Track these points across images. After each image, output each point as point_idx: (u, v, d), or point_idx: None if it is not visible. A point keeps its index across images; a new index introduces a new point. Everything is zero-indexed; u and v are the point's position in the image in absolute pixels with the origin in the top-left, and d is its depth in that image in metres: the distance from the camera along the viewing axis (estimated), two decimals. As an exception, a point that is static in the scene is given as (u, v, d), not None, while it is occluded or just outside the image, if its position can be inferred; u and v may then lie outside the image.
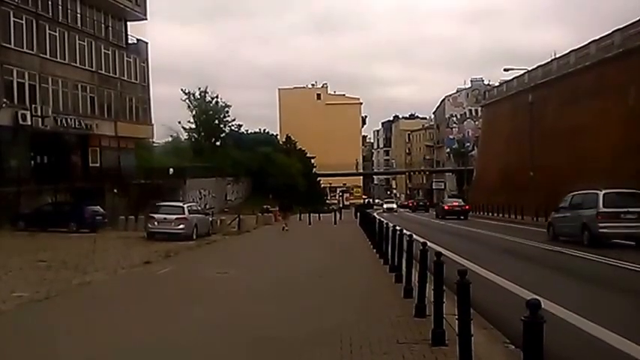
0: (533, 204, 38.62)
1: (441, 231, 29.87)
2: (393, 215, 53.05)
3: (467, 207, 46.67)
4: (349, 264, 15.24)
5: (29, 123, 31.80)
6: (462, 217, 43.51)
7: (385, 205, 73.14)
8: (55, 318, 8.67)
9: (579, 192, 22.20)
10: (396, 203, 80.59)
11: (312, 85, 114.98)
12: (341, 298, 9.83)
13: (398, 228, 12.34)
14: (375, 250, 17.29)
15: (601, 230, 18.76)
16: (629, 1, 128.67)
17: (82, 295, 10.68)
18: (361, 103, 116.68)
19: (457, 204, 47.04)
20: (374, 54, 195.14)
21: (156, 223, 24.08)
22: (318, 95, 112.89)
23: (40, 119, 32.60)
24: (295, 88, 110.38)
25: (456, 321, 5.09)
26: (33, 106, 32.43)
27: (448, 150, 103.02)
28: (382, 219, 19.16)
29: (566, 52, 45.02)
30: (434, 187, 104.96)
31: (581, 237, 19.40)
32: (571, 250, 17.61)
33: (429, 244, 8.11)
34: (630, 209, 18.83)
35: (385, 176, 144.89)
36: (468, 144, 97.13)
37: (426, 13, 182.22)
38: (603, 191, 20.00)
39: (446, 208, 46.12)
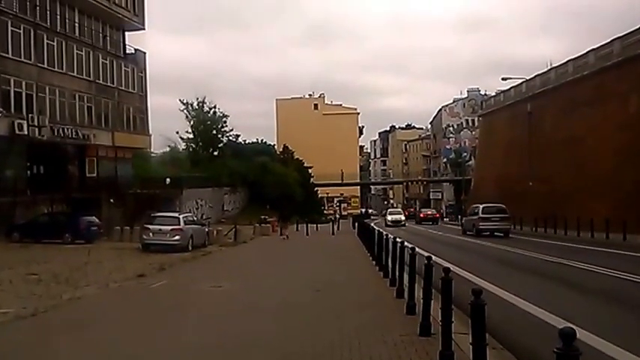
0: (532, 214, 38.46)
1: (405, 231, 41.66)
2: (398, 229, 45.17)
3: (437, 215, 63.93)
4: (348, 277, 14.94)
5: (26, 133, 31.54)
6: (433, 223, 57.21)
7: (390, 217, 54.93)
8: (38, 337, 8.31)
9: (473, 205, 37.48)
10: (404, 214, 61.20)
11: (310, 95, 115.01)
12: (339, 314, 9.47)
13: (399, 240, 12.09)
14: (374, 262, 17.02)
15: (480, 227, 33.10)
16: (618, 14, 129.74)
17: (70, 312, 10.32)
18: (358, 113, 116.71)
19: (430, 212, 64.14)
20: (370, 64, 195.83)
21: (151, 234, 23.73)
22: (315, 105, 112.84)
23: (36, 129, 32.34)
24: (293, 98, 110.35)
25: (466, 342, 4.81)
26: (30, 115, 32.18)
27: (445, 160, 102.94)
28: (381, 230, 18.82)
29: (564, 61, 44.97)
30: (431, 197, 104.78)
31: (473, 231, 33.63)
32: (468, 238, 32.01)
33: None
34: (496, 215, 33.21)
35: (382, 186, 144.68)
36: (465, 154, 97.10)
37: (419, 24, 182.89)
38: (482, 205, 34.68)
39: (421, 215, 61.74)
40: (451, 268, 6.31)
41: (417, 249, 9.76)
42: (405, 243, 11.72)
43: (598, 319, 8.91)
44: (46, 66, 34.14)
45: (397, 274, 11.22)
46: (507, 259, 19.63)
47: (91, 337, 8.14)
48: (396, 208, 79.00)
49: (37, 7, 33.81)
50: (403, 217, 55.49)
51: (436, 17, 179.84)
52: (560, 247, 24.34)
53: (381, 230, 19.16)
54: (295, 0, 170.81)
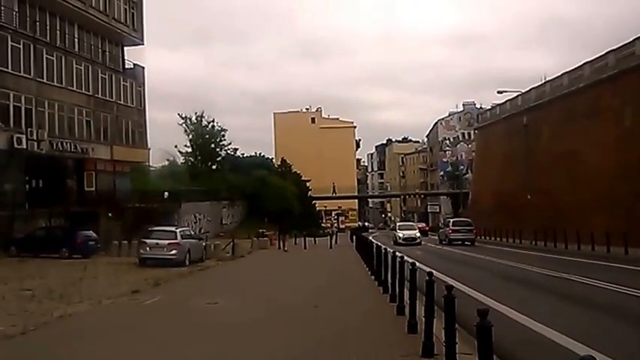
0: (531, 227, 38.33)
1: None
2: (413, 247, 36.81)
3: (427, 228, 69.71)
4: (346, 292, 14.76)
5: (25, 147, 31.45)
6: (423, 235, 60.32)
7: (401, 233, 43.12)
8: (24, 356, 8.10)
9: (447, 219, 49.46)
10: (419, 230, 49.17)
11: (307, 109, 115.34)
12: (338, 332, 9.26)
13: (398, 255, 11.95)
14: (373, 277, 16.86)
15: (450, 237, 40.17)
16: (610, 27, 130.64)
17: (59, 330, 10.08)
18: (355, 127, 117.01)
19: (420, 226, 64.96)
20: (365, 78, 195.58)
21: (148, 248, 23.49)
22: (313, 119, 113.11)
23: (35, 143, 32.28)
24: (290, 112, 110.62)
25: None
26: (29, 129, 32.11)
27: (442, 173, 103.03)
28: (380, 244, 18.60)
29: (560, 73, 45.06)
30: (429, 211, 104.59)
31: (446, 240, 40.42)
32: (444, 247, 38.02)
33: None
34: (464, 227, 41.05)
35: (380, 200, 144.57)
36: (462, 167, 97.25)
37: (413, 38, 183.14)
38: (452, 219, 45.73)
39: None
40: (449, 283, 6.19)
41: (417, 264, 9.63)
42: (405, 257, 11.59)
43: (607, 338, 8.71)
44: (45, 80, 34.14)
45: (397, 289, 11.07)
46: (509, 274, 19.48)
47: (78, 357, 7.92)
48: (409, 222, 63.74)
49: (37, 23, 33.92)
50: (418, 233, 44.18)
51: (429, 31, 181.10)
52: (562, 261, 24.21)
53: (379, 244, 18.94)
54: (290, 16, 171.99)
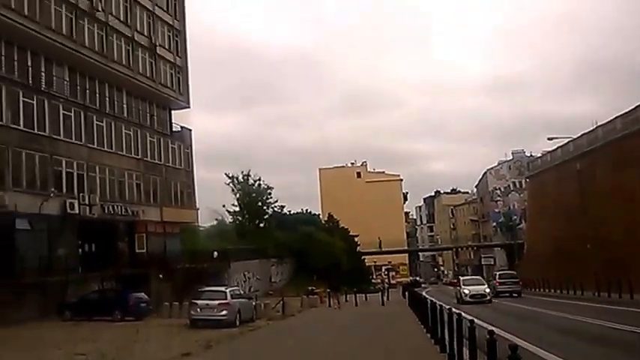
0: (591, 276, 36.67)
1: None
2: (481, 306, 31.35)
3: None
4: (403, 353, 14.22)
5: (77, 211, 32.16)
6: None
7: (467, 289, 36.00)
8: None
9: (495, 272, 51.66)
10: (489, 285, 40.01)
11: (352, 163, 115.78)
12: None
13: (455, 311, 11.42)
14: (429, 335, 16.21)
15: (498, 290, 39.95)
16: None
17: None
18: (401, 180, 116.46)
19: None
20: (408, 130, 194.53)
21: (198, 309, 23.46)
22: (358, 173, 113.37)
23: (87, 207, 32.97)
24: (335, 167, 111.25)
25: None
26: (81, 194, 32.92)
27: (495, 224, 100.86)
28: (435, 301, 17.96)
29: (611, 118, 44.21)
30: (483, 263, 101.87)
31: (494, 292, 37.94)
32: (502, 301, 35.63)
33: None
34: (509, 279, 42.52)
35: (431, 253, 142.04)
36: (515, 217, 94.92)
37: (455, 88, 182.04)
38: (498, 272, 47.36)
39: (455, 281, 61.83)
40: (512, 341, 5.73)
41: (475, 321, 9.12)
42: (463, 314, 11.04)
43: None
44: (95, 146, 35.22)
45: (456, 348, 10.52)
46: (572, 329, 18.46)
47: None
48: (476, 276, 52.16)
49: (87, 91, 35.40)
50: (487, 289, 36.62)
51: (471, 80, 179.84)
52: (628, 312, 22.87)
53: (433, 300, 18.30)
54: (330, 71, 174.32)
